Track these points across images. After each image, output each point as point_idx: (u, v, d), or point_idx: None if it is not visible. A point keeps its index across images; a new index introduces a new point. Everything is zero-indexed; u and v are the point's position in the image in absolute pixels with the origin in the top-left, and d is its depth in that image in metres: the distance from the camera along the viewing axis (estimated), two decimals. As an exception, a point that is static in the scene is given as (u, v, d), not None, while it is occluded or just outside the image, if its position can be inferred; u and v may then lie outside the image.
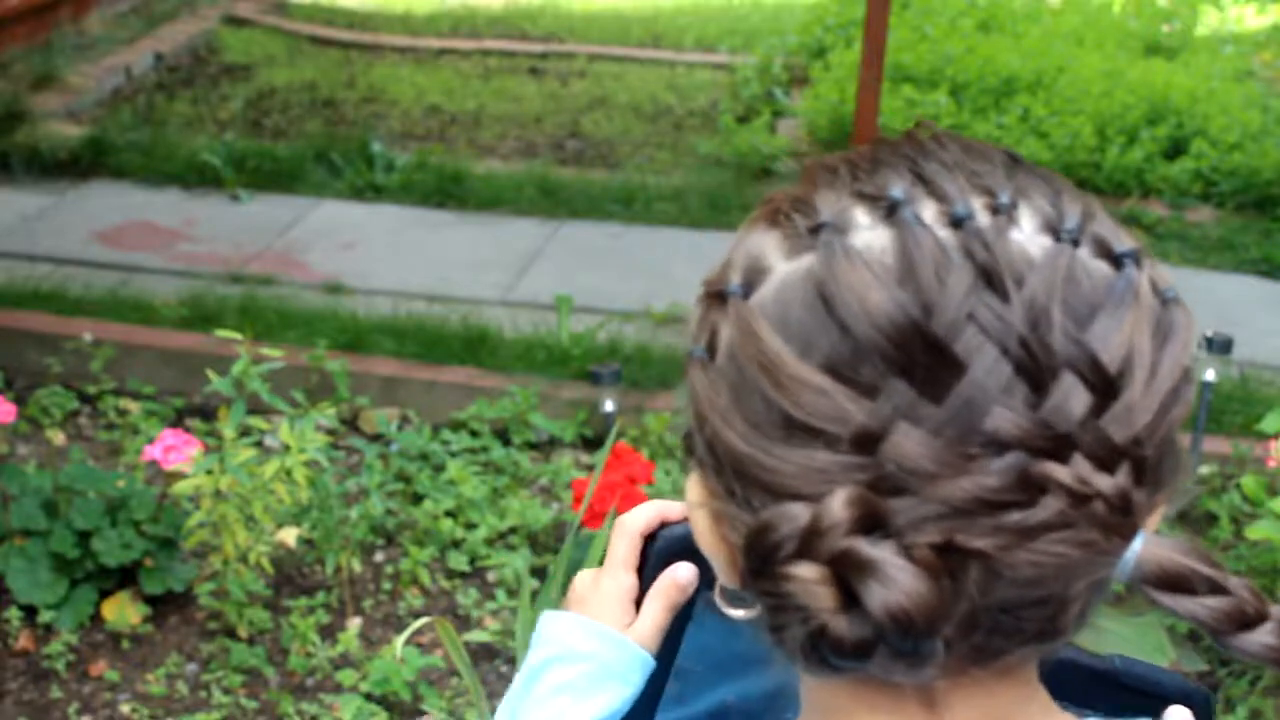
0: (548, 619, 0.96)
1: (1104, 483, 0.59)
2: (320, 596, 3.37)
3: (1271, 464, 3.22)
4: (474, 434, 3.99)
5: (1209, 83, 6.47)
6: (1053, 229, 0.63)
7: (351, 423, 4.06)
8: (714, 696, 0.95)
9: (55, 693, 3.10)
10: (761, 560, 0.61)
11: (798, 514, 0.60)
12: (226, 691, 3.12)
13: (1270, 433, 3.15)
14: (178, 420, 4.03)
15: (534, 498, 3.73)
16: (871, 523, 0.59)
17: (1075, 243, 0.62)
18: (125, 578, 3.29)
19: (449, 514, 3.65)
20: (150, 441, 3.35)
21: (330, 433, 3.85)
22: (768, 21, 7.87)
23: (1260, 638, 0.62)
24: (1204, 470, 3.67)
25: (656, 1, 8.29)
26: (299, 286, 4.85)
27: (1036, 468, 0.59)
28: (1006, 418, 0.59)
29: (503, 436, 4.00)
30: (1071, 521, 0.59)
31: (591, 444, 3.99)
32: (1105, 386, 0.60)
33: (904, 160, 0.65)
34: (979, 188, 0.64)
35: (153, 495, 3.32)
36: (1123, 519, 0.60)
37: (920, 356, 0.59)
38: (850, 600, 0.59)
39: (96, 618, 3.27)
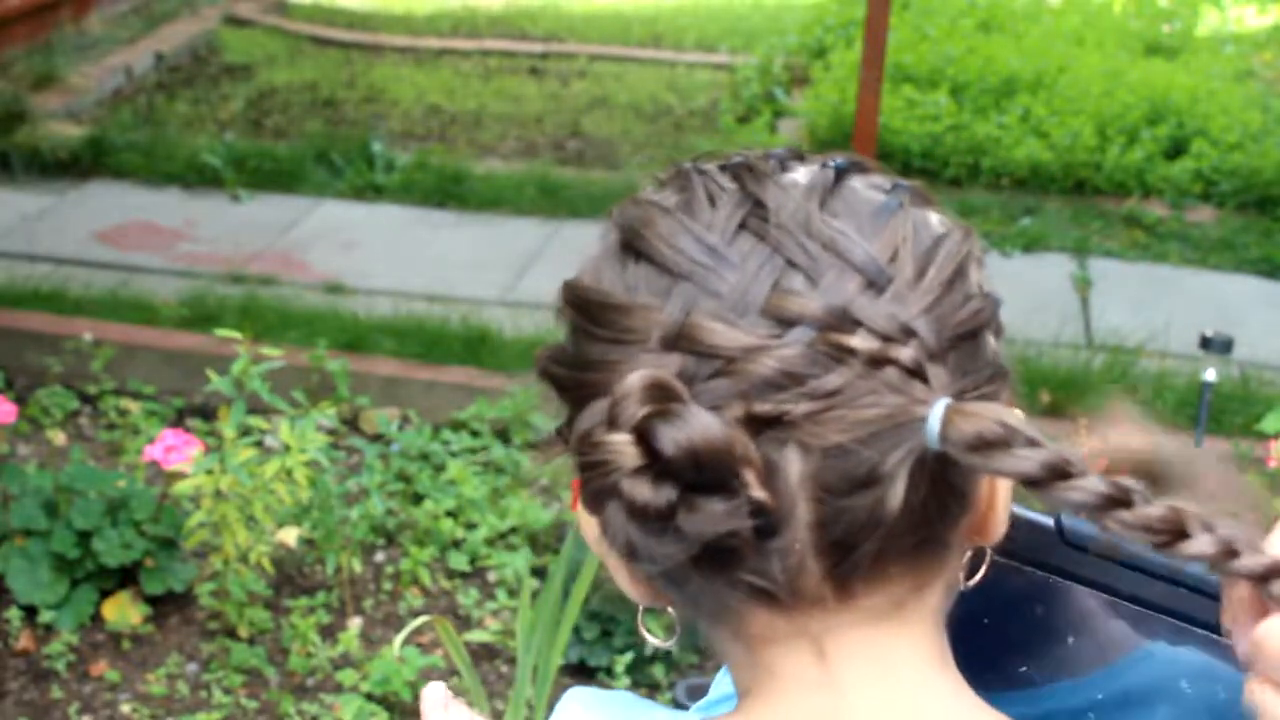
0: None
1: (893, 350, 0.65)
2: (321, 596, 3.37)
3: (1272, 464, 3.22)
4: (474, 434, 3.99)
5: (1209, 83, 6.47)
6: (823, 166, 0.72)
7: (352, 423, 4.06)
8: None
9: (56, 693, 3.10)
10: (584, 456, 0.66)
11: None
12: (227, 691, 3.12)
13: (1270, 433, 3.15)
14: (178, 420, 4.03)
15: (534, 498, 3.73)
16: (670, 393, 0.64)
17: (842, 173, 0.71)
18: (126, 578, 3.29)
19: (449, 514, 3.65)
20: (151, 441, 3.35)
21: (331, 433, 3.85)
22: (768, 21, 7.87)
23: (1087, 485, 0.62)
24: (1204, 470, 3.67)
25: (657, 1, 8.29)
26: (299, 286, 4.85)
27: (829, 338, 0.64)
28: (791, 299, 0.65)
29: (503, 436, 4.00)
30: (868, 388, 0.64)
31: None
32: (872, 277, 0.66)
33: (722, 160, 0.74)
34: (764, 157, 0.72)
35: (153, 495, 3.32)
36: (917, 384, 0.65)
37: (701, 260, 0.67)
38: (653, 459, 0.63)
39: (97, 618, 3.27)
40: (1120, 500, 0.62)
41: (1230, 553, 0.62)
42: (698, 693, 2.38)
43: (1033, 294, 4.92)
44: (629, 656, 3.12)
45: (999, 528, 0.73)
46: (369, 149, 5.86)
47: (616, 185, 5.53)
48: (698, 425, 0.63)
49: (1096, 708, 0.82)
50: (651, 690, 3.16)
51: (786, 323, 0.65)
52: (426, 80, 7.06)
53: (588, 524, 0.73)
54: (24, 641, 3.21)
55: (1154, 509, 0.63)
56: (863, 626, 0.69)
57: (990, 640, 0.83)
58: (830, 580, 0.67)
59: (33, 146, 5.75)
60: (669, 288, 0.68)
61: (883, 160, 5.74)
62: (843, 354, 0.64)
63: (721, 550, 0.66)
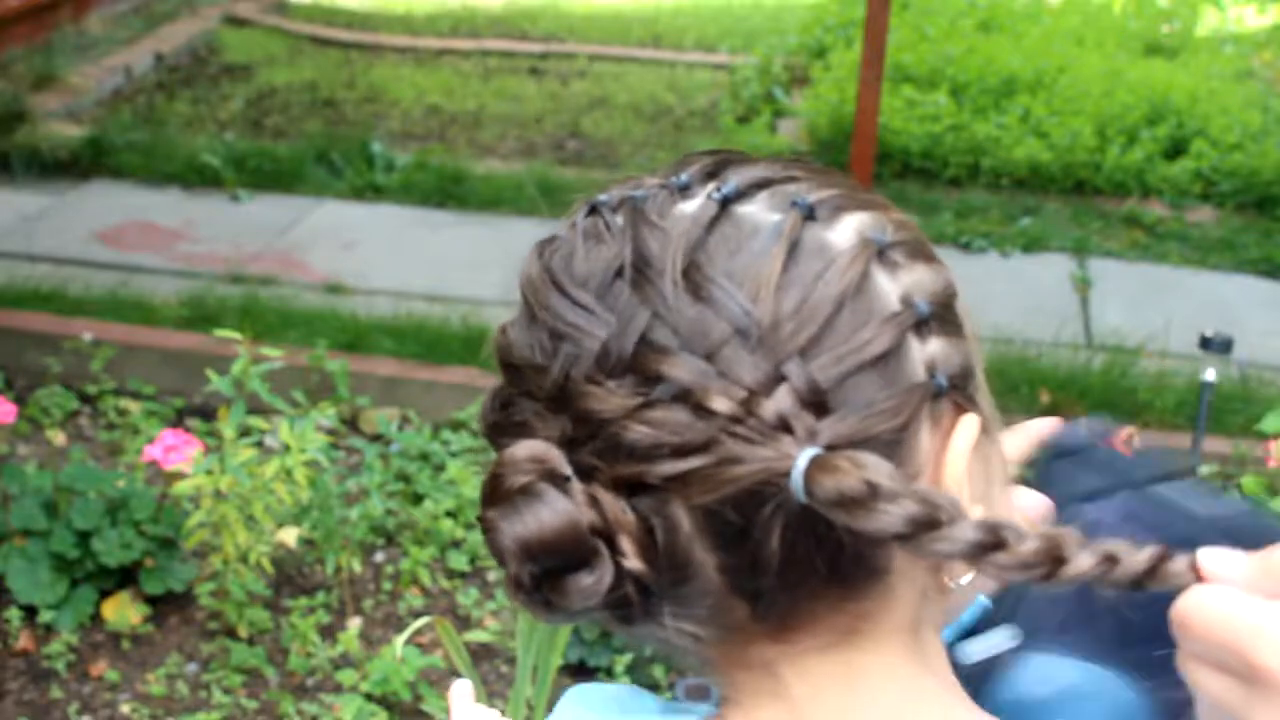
0: None
1: (756, 404, 0.63)
2: (320, 596, 3.37)
3: (1271, 464, 3.22)
4: (474, 434, 3.99)
5: (1209, 83, 6.48)
6: (714, 193, 0.68)
7: (352, 423, 4.06)
8: None
9: (55, 693, 3.10)
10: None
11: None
12: (227, 692, 3.12)
13: (1270, 433, 3.15)
14: (178, 420, 4.03)
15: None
16: (542, 468, 0.65)
17: (730, 201, 0.67)
18: (125, 578, 3.29)
19: (449, 514, 3.65)
20: (150, 441, 3.35)
21: (330, 433, 3.85)
22: (768, 21, 7.87)
23: (955, 534, 0.61)
24: (1204, 470, 3.67)
25: (657, 2, 8.29)
26: (299, 286, 4.85)
27: (692, 396, 0.63)
28: (656, 357, 0.64)
29: (503, 436, 4.00)
30: (732, 445, 0.62)
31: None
32: (739, 324, 0.64)
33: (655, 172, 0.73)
34: (663, 184, 0.70)
35: (153, 495, 3.32)
36: (785, 436, 0.62)
37: (575, 321, 0.67)
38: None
39: (97, 618, 3.27)
40: (992, 545, 0.61)
41: (1111, 561, 0.62)
42: (698, 693, 2.38)
43: (1032, 294, 4.92)
44: (629, 656, 3.12)
45: None
46: (369, 149, 5.86)
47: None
48: (544, 514, 0.64)
49: None
50: (651, 691, 3.16)
51: (653, 380, 0.64)
52: (426, 80, 7.06)
53: None
54: (24, 641, 3.21)
55: (1028, 544, 0.61)
56: (816, 653, 0.69)
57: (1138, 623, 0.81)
58: (759, 621, 0.67)
59: (32, 146, 5.75)
60: (554, 348, 0.67)
61: (882, 160, 5.75)
62: (704, 412, 0.63)
63: (620, 609, 0.66)
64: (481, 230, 5.37)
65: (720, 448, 0.63)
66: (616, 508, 0.64)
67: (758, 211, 0.68)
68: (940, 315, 0.68)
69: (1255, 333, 4.51)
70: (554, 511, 0.64)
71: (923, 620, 0.71)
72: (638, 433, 0.63)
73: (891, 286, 0.67)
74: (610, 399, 0.64)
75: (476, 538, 3.54)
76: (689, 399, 0.63)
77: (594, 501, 0.65)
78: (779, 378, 0.63)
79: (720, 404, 0.63)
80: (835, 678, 0.69)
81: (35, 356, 4.22)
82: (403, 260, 5.08)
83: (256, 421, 3.23)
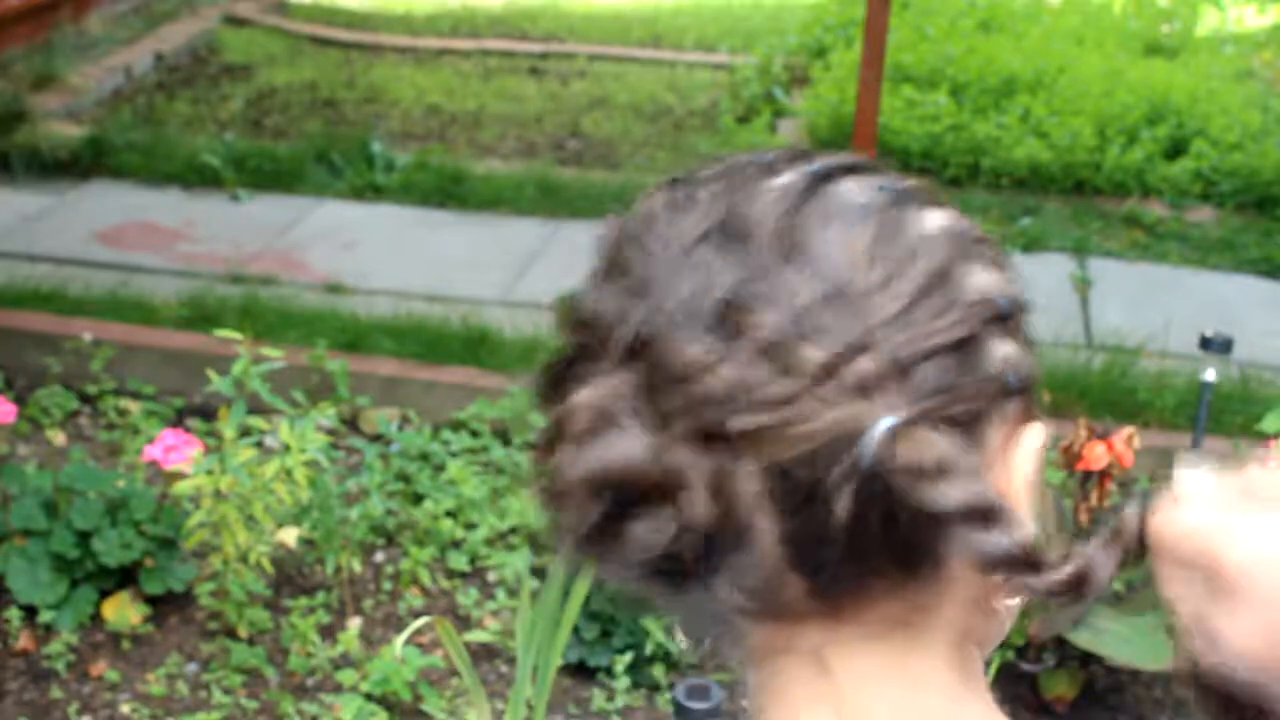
0: None
1: (843, 364, 0.63)
2: (320, 596, 3.37)
3: (1272, 464, 3.21)
4: (474, 434, 3.99)
5: (1209, 83, 6.48)
6: (809, 168, 0.69)
7: (352, 423, 4.06)
8: None
9: (55, 693, 3.10)
10: (536, 474, 0.68)
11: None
12: (227, 692, 3.12)
13: (1270, 433, 3.15)
14: (178, 420, 4.03)
15: (534, 497, 3.72)
16: (604, 415, 0.64)
17: (826, 176, 0.68)
18: (125, 578, 3.29)
19: (449, 514, 3.65)
20: (150, 441, 3.35)
21: (330, 433, 3.85)
22: (768, 21, 7.87)
23: (1001, 539, 0.62)
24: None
25: (656, 1, 8.29)
26: (299, 286, 4.85)
27: (777, 350, 0.63)
28: (743, 311, 0.64)
29: (503, 437, 4.00)
30: (814, 402, 0.62)
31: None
32: (832, 286, 0.64)
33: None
34: (756, 162, 0.70)
35: (153, 495, 3.32)
36: (863, 401, 0.63)
37: (658, 275, 0.66)
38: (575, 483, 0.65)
39: (97, 618, 3.27)
40: (1029, 563, 0.62)
41: (1120, 537, 0.63)
42: (698, 693, 2.38)
43: (1032, 294, 4.90)
44: (629, 656, 3.12)
45: None
46: (369, 149, 5.86)
47: (616, 185, 5.53)
48: (614, 448, 0.63)
49: None
50: (651, 690, 3.16)
51: (736, 335, 0.64)
52: (426, 80, 7.06)
53: None
54: (24, 641, 3.21)
55: (1063, 572, 0.62)
56: (865, 642, 0.68)
57: None
58: (814, 597, 0.66)
59: (32, 146, 5.74)
60: (629, 304, 0.66)
61: (883, 160, 5.75)
62: (789, 367, 0.63)
63: (674, 569, 0.65)
64: (481, 230, 5.37)
65: (799, 404, 0.62)
66: (686, 457, 0.63)
67: (847, 191, 0.68)
68: (1016, 318, 0.70)
69: (1255, 333, 4.51)
70: (624, 446, 0.64)
71: (969, 636, 0.71)
72: (716, 382, 0.63)
73: (974, 280, 0.68)
74: (689, 350, 0.64)
75: (476, 537, 3.54)
76: (772, 355, 0.63)
77: (663, 448, 0.64)
78: (864, 345, 0.63)
79: (803, 362, 0.63)
80: (883, 669, 0.69)
81: (35, 356, 4.22)
82: (403, 260, 5.08)
83: (256, 421, 3.23)
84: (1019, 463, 0.69)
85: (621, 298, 0.67)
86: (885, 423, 0.62)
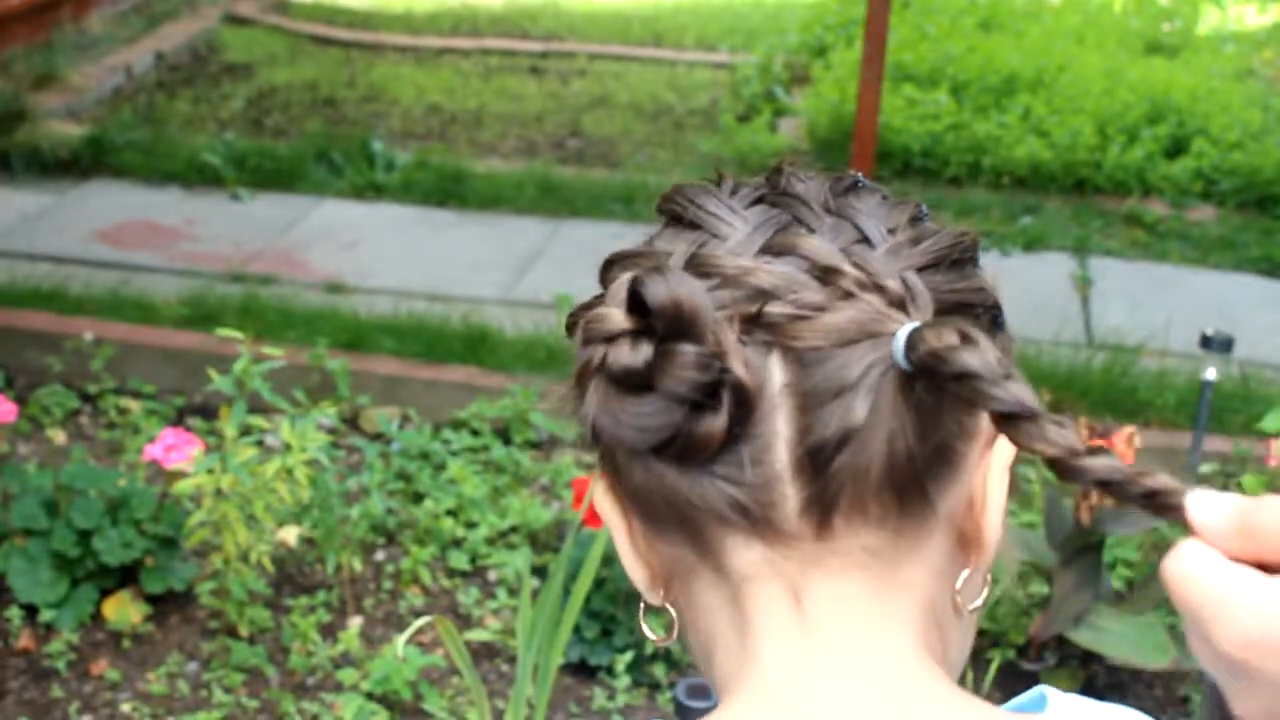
0: None
1: (880, 281, 0.70)
2: (321, 595, 3.37)
3: (1272, 463, 3.22)
4: (475, 433, 3.99)
5: (1210, 81, 6.48)
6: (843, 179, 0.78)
7: (352, 422, 4.07)
8: None
9: (56, 692, 3.10)
10: (581, 335, 0.72)
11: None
12: (227, 690, 3.12)
13: (1270, 431, 3.15)
14: (178, 419, 4.03)
15: (535, 497, 3.73)
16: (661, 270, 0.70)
17: (853, 184, 0.77)
18: (126, 577, 3.30)
19: (450, 513, 3.65)
20: (151, 440, 3.35)
21: (331, 432, 3.85)
22: (768, 20, 7.87)
23: (1060, 434, 0.63)
24: (1205, 469, 3.67)
25: (657, 1, 8.29)
26: (300, 286, 4.85)
27: (820, 263, 0.70)
28: (790, 239, 0.71)
29: (503, 435, 4.00)
30: (848, 305, 0.69)
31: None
32: (870, 236, 0.72)
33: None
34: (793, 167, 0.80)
35: (153, 494, 3.32)
36: (896, 311, 0.69)
37: (715, 212, 0.74)
38: (637, 316, 0.69)
39: (97, 617, 3.27)
40: (1057, 423, 0.63)
41: (1119, 473, 0.63)
42: (698, 692, 2.38)
43: (1033, 293, 4.92)
44: (629, 656, 3.12)
45: (990, 540, 0.72)
46: (369, 148, 5.86)
47: (616, 184, 5.53)
48: (684, 284, 0.68)
49: None
50: (652, 690, 3.16)
51: (783, 254, 0.70)
52: (427, 79, 7.06)
53: (599, 492, 0.76)
54: (24, 641, 3.21)
55: (1102, 462, 0.63)
56: (841, 576, 0.70)
57: None
58: (808, 514, 0.68)
59: (33, 146, 5.75)
60: (682, 235, 0.74)
61: (883, 159, 5.75)
62: (830, 276, 0.69)
63: (695, 444, 0.68)
64: (482, 229, 5.37)
65: (836, 305, 0.69)
66: (733, 331, 0.68)
67: (879, 197, 0.77)
68: (1005, 332, 0.77)
69: (1256, 331, 4.51)
70: (693, 286, 0.68)
71: (934, 617, 0.72)
72: (761, 279, 0.69)
73: (983, 275, 0.77)
74: (738, 260, 0.70)
75: (477, 536, 3.55)
76: (817, 267, 0.70)
77: (717, 323, 0.68)
78: (892, 274, 0.70)
79: (840, 277, 0.69)
80: (853, 614, 0.70)
81: (36, 356, 4.22)
82: (403, 259, 5.08)
83: (257, 420, 3.23)
84: (993, 485, 0.72)
85: (671, 236, 0.74)
86: (912, 324, 0.67)
